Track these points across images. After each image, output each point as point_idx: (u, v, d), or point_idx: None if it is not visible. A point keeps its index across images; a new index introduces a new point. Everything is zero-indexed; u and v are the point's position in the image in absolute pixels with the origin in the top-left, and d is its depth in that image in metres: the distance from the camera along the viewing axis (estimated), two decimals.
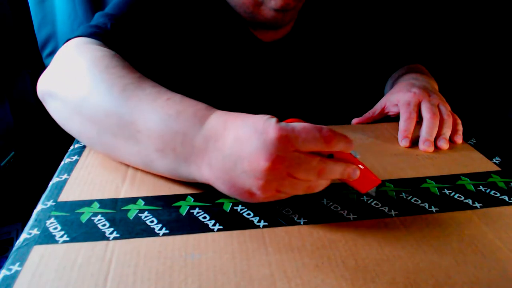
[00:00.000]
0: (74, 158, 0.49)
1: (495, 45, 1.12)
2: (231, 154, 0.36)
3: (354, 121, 0.64)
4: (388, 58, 0.77)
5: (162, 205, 0.41)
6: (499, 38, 1.11)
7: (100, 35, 0.53)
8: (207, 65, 0.66)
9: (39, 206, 0.41)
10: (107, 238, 0.36)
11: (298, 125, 0.35)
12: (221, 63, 0.67)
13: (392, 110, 0.61)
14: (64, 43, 0.53)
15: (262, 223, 0.39)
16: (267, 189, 0.35)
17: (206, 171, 0.38)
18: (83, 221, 0.38)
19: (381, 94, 0.78)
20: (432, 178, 0.47)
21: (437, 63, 0.90)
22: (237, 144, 0.36)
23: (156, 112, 0.40)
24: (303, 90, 0.73)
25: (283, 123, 0.35)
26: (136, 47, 0.57)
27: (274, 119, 0.36)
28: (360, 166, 0.39)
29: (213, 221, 0.39)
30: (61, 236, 0.36)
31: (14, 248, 0.35)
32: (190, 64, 0.66)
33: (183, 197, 0.42)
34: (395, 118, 0.60)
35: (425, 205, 0.42)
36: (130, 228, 0.38)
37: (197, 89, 0.67)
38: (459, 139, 0.56)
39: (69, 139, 0.53)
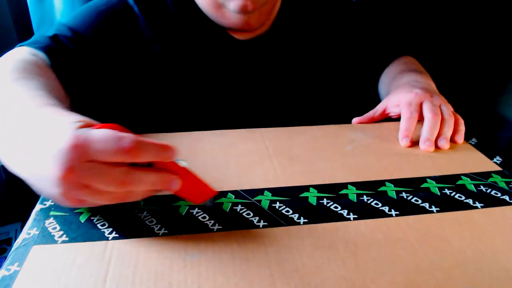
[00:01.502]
0: None
1: (496, 44, 1.12)
2: (34, 157, 0.34)
3: (355, 120, 0.63)
4: (377, 54, 0.76)
5: (162, 205, 0.41)
6: (501, 37, 1.11)
7: (37, 43, 0.55)
8: (184, 67, 0.65)
9: (38, 206, 0.41)
10: (106, 238, 0.36)
11: (97, 133, 0.32)
12: (198, 64, 0.65)
13: (393, 111, 0.60)
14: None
15: (262, 223, 0.39)
16: (68, 198, 0.33)
17: (23, 172, 0.37)
18: (82, 221, 0.38)
19: (374, 92, 0.78)
20: (433, 178, 0.47)
21: (436, 61, 0.89)
22: (39, 148, 0.34)
23: (3, 108, 0.41)
24: (286, 89, 0.71)
25: (82, 130, 0.32)
26: (80, 55, 0.58)
27: (76, 125, 0.33)
28: (206, 180, 0.36)
29: (212, 221, 0.39)
30: (60, 236, 0.36)
31: (13, 248, 0.35)
32: (166, 68, 0.65)
33: None
34: (396, 119, 0.60)
35: (425, 205, 0.42)
36: (129, 228, 0.37)
37: (175, 92, 0.66)
38: (460, 139, 0.55)
39: None
